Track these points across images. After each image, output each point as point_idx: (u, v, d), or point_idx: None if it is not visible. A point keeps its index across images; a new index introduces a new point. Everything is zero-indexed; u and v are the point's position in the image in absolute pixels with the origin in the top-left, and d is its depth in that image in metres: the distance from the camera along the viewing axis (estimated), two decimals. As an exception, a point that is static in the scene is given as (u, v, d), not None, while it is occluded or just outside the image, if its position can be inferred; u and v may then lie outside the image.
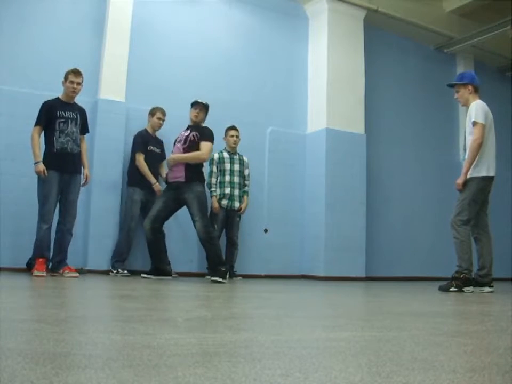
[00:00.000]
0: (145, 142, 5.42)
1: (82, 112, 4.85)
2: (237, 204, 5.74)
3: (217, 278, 4.59)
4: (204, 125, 5.04)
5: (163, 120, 5.55)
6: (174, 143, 5.11)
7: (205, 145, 4.85)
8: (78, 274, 4.54)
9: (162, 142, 5.64)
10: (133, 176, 5.39)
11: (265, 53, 6.70)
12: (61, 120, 4.64)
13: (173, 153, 5.01)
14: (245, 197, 5.84)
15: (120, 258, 5.26)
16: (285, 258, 6.35)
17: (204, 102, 5.03)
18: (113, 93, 5.51)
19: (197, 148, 4.85)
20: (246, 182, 5.89)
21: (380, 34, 7.50)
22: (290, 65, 6.90)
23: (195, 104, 5.02)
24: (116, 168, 5.45)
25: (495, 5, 7.12)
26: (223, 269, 4.63)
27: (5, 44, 5.20)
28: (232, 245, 5.73)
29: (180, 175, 4.83)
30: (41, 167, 4.48)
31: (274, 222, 6.40)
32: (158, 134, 5.61)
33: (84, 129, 4.87)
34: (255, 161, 6.17)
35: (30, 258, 4.65)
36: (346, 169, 6.60)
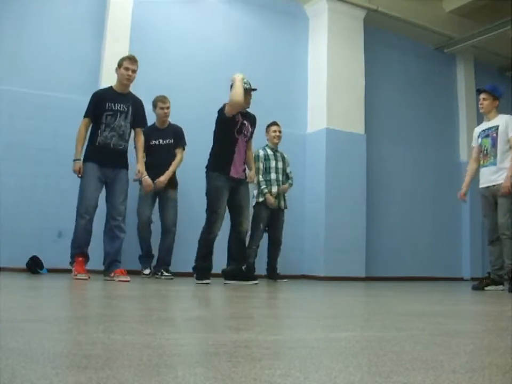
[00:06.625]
0: (146, 139, 4.78)
1: (137, 103, 4.44)
2: (283, 203, 5.68)
3: (227, 282, 4.50)
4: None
5: (167, 108, 5.12)
6: (235, 133, 4.66)
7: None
8: (129, 279, 4.20)
9: (176, 131, 5.19)
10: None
11: (265, 52, 6.70)
12: (108, 113, 4.27)
13: (241, 149, 4.66)
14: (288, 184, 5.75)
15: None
16: (285, 258, 6.34)
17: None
18: (113, 93, 5.51)
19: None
20: (290, 181, 5.78)
21: (380, 34, 7.50)
22: (290, 65, 6.89)
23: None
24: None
25: (495, 5, 7.11)
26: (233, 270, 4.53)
27: (5, 44, 5.20)
28: (279, 244, 5.71)
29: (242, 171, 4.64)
30: (78, 166, 4.21)
31: (274, 222, 6.38)
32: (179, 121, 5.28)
33: (139, 122, 4.47)
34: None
35: (30, 258, 4.65)
36: (346, 169, 6.59)
